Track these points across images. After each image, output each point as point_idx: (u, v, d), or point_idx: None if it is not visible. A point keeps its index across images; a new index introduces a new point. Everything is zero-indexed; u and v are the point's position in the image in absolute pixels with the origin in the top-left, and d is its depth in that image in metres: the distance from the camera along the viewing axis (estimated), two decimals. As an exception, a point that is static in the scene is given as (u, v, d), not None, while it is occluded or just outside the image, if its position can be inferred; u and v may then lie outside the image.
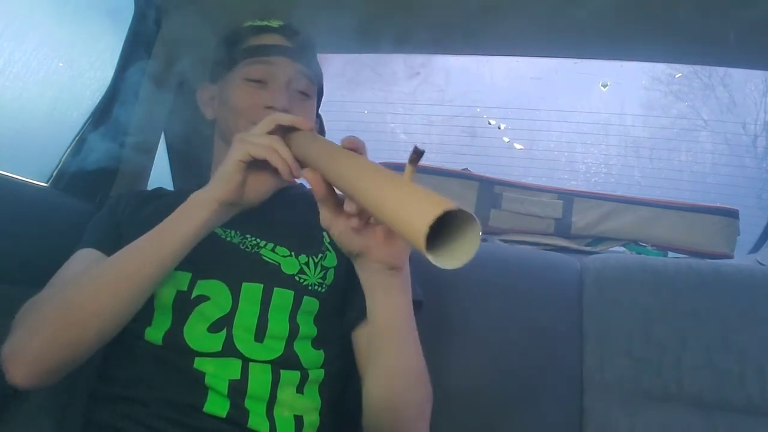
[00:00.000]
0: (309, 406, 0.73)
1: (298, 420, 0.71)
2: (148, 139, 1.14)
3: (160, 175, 1.25)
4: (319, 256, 0.79)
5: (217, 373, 0.69)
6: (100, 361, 0.77)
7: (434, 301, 0.87)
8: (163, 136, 1.23)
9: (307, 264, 0.77)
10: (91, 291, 0.66)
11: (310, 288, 0.76)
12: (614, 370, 0.96)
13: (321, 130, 1.01)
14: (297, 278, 0.76)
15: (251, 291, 0.74)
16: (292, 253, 0.77)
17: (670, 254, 1.26)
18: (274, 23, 0.90)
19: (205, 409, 0.68)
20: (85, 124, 1.07)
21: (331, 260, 0.79)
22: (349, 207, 0.55)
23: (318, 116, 0.98)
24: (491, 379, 0.97)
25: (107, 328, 0.66)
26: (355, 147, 0.59)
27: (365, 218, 0.57)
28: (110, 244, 0.78)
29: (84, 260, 0.79)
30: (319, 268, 0.78)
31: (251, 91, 0.84)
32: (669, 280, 1.01)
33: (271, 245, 0.78)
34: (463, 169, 1.35)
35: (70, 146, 1.05)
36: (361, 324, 0.77)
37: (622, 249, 1.27)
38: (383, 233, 0.58)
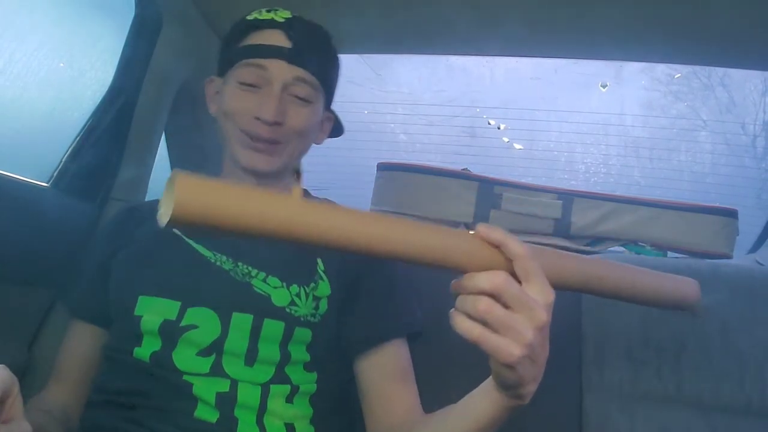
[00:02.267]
0: (299, 414, 0.73)
1: (290, 427, 0.71)
2: (149, 140, 1.15)
3: (161, 175, 1.25)
4: (311, 285, 0.76)
5: (205, 387, 0.69)
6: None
7: (433, 301, 0.87)
8: (163, 136, 1.23)
9: (298, 295, 0.75)
10: None
11: (302, 319, 0.74)
12: (613, 371, 0.96)
13: (336, 127, 0.93)
14: (288, 310, 0.73)
15: (241, 321, 0.72)
16: (284, 284, 0.75)
17: (670, 254, 1.26)
18: (280, 17, 0.80)
19: (195, 415, 0.68)
20: (85, 124, 1.07)
21: (323, 289, 0.76)
22: None
23: (331, 112, 0.90)
24: (491, 379, 0.97)
25: None
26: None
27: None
28: (91, 309, 0.81)
29: (75, 337, 0.82)
30: (311, 299, 0.75)
31: (243, 96, 0.78)
32: (668, 281, 1.01)
33: (262, 275, 0.75)
34: (463, 169, 1.35)
35: (71, 146, 1.05)
36: (364, 354, 0.76)
37: (622, 249, 1.27)
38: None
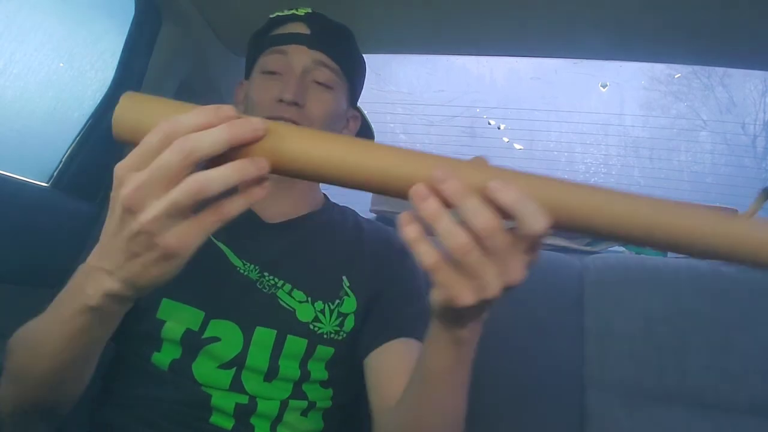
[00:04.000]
0: (311, 428, 0.74)
1: None
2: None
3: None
4: (336, 302, 0.75)
5: (224, 399, 0.69)
6: (106, 374, 0.76)
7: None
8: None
9: (322, 311, 0.74)
10: (27, 360, 0.55)
11: (325, 336, 0.73)
12: (615, 369, 0.96)
13: (365, 127, 0.90)
14: (311, 326, 0.73)
15: (264, 336, 0.71)
16: (309, 299, 0.74)
17: (670, 254, 1.26)
18: (301, 11, 0.82)
19: (211, 421, 0.68)
20: (85, 124, 1.07)
21: (349, 305, 0.76)
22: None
23: (358, 110, 0.89)
24: (492, 379, 0.97)
25: (57, 395, 0.57)
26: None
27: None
28: None
29: None
30: (335, 316, 0.74)
31: (266, 84, 0.78)
32: (669, 280, 1.01)
33: (288, 287, 0.74)
34: (463, 169, 1.35)
35: (71, 146, 1.05)
36: (375, 350, 0.75)
37: (622, 249, 1.27)
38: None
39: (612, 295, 1.01)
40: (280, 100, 0.76)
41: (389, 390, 0.69)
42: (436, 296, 0.42)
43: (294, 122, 0.76)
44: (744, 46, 1.07)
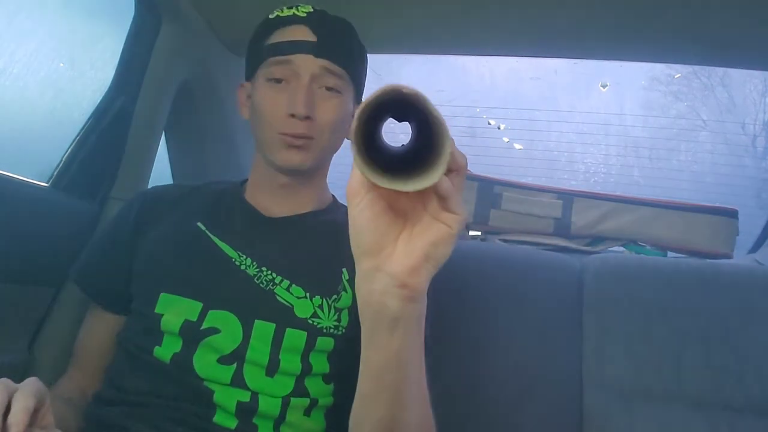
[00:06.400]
0: (314, 428, 0.73)
1: None
2: (149, 139, 1.15)
3: (161, 175, 1.25)
4: (333, 297, 0.75)
5: (226, 396, 0.69)
6: (109, 369, 0.77)
7: (434, 300, 0.87)
8: (163, 135, 1.23)
9: (321, 307, 0.74)
10: None
11: (324, 330, 0.73)
12: (614, 369, 0.96)
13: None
14: (310, 321, 0.73)
15: (263, 329, 0.72)
16: (307, 295, 0.74)
17: (670, 254, 1.26)
18: (302, 11, 0.81)
19: (214, 420, 0.68)
20: (85, 124, 1.07)
21: (345, 300, 0.76)
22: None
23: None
24: (491, 379, 0.98)
25: None
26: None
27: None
28: (113, 299, 0.82)
29: (91, 325, 0.84)
30: (333, 311, 0.75)
31: (273, 94, 0.78)
32: (668, 280, 1.01)
33: (286, 283, 0.74)
34: (463, 169, 1.35)
35: (71, 146, 1.05)
36: None
37: (622, 249, 1.27)
38: (408, 233, 0.45)
39: (611, 295, 1.01)
40: (292, 115, 0.76)
41: None
42: (450, 226, 0.45)
43: (305, 136, 0.77)
44: (744, 46, 1.07)
